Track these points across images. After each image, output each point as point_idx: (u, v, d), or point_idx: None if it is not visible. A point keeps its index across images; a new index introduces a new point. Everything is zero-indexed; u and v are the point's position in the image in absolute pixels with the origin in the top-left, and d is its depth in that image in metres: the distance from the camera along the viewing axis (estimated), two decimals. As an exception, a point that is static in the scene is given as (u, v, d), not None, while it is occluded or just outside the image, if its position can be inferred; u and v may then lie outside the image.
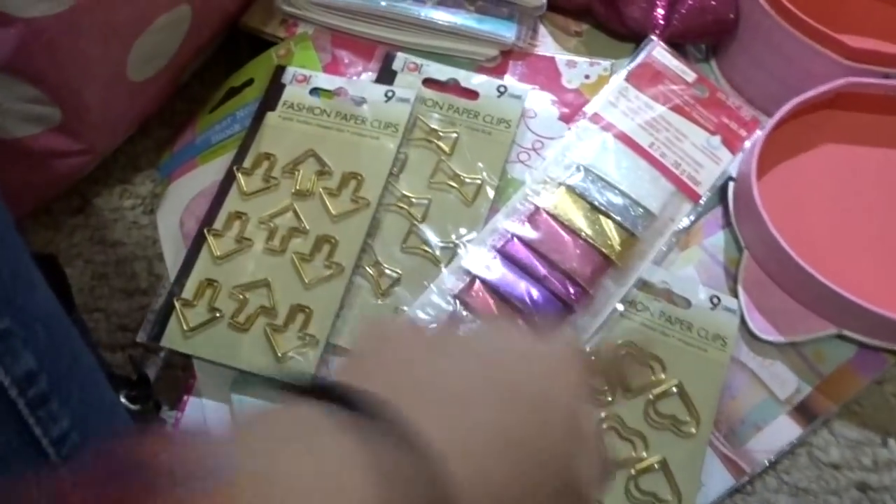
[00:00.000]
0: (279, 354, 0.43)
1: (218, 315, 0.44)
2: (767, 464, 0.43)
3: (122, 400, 0.46)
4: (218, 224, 0.47)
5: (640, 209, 0.48)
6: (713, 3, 0.54)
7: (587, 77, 0.54)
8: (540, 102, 0.53)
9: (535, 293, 0.45)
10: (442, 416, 0.25)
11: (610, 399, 0.43)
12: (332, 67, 0.54)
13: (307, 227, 0.47)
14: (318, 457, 0.22)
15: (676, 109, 0.51)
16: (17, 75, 0.42)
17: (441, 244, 0.47)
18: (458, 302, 0.44)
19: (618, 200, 0.48)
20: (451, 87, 0.52)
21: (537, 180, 0.49)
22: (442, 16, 0.53)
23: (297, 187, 0.48)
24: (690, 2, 0.54)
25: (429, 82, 0.52)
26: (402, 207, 0.48)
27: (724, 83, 0.56)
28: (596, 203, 0.47)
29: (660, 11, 0.54)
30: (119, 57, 0.45)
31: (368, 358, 0.29)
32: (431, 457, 0.23)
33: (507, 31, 0.53)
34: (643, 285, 0.46)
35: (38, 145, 0.46)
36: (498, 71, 0.54)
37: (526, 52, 0.55)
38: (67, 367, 0.35)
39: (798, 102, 0.49)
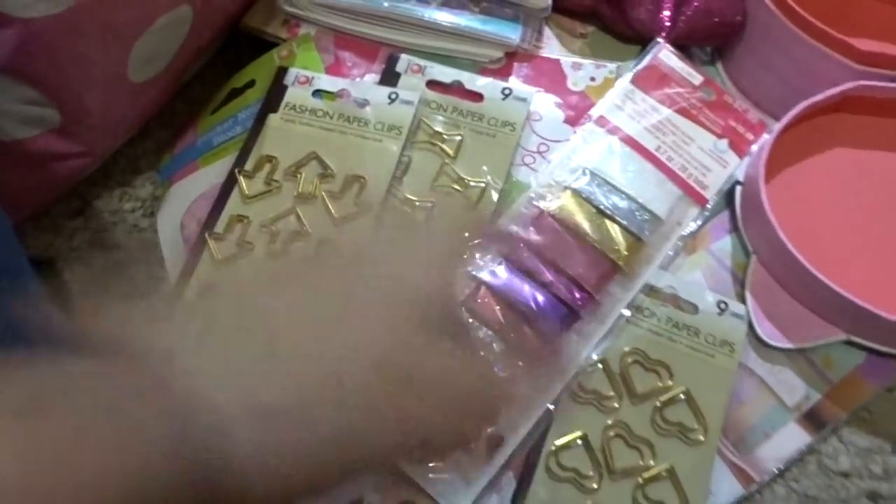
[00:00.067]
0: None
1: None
2: (776, 472, 0.42)
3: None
4: (219, 227, 0.47)
5: (647, 213, 0.48)
6: (720, 5, 0.54)
7: (593, 79, 0.54)
8: (545, 105, 0.53)
9: (541, 298, 0.44)
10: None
11: (616, 406, 0.43)
12: (335, 69, 0.54)
13: (309, 231, 0.46)
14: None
15: (683, 112, 0.51)
16: (15, 76, 0.42)
17: (445, 248, 0.47)
18: (464, 308, 0.44)
19: (624, 204, 0.48)
20: (455, 89, 0.52)
21: (542, 184, 0.49)
22: (446, 17, 0.53)
23: (300, 190, 0.48)
24: (696, 3, 0.54)
25: (433, 84, 0.52)
26: (406, 210, 0.48)
27: (730, 86, 0.56)
28: (602, 207, 0.47)
29: (666, 13, 0.54)
30: (119, 58, 0.45)
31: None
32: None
33: (511, 33, 0.53)
34: (650, 290, 0.46)
35: (36, 147, 0.45)
36: (503, 73, 0.54)
37: (531, 55, 0.55)
38: None
39: (806, 106, 0.49)
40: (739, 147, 0.51)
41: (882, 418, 0.44)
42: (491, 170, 0.49)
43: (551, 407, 0.42)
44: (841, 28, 0.49)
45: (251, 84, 0.53)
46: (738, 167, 0.50)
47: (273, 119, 0.50)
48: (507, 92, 0.51)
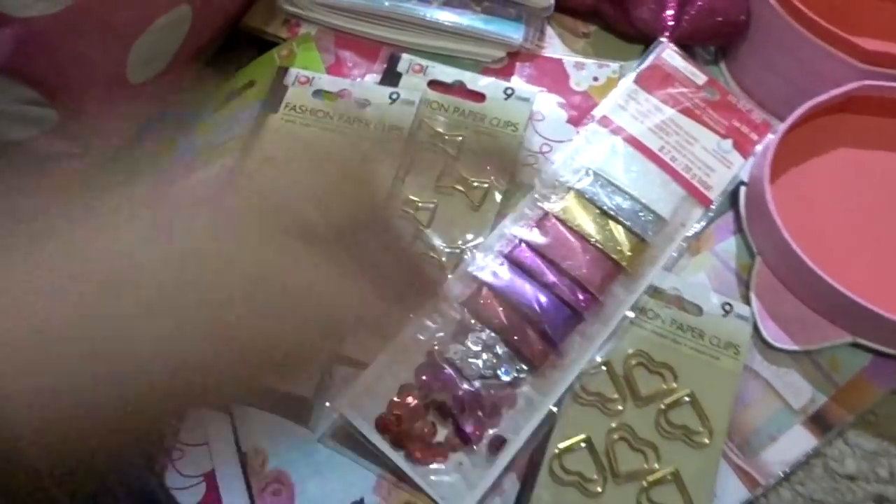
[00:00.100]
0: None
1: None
2: (782, 475, 0.43)
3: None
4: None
5: (651, 214, 0.48)
6: (723, 4, 0.54)
7: (596, 79, 0.54)
8: (548, 105, 0.53)
9: (544, 300, 0.45)
10: None
11: (620, 408, 0.43)
12: (336, 69, 0.54)
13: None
14: None
15: (686, 113, 0.51)
16: (13, 76, 0.42)
17: (447, 249, 0.47)
18: (466, 309, 0.44)
19: (627, 205, 0.48)
20: (457, 89, 0.52)
21: (546, 185, 0.49)
22: (448, 16, 0.54)
23: (300, 191, 0.48)
24: (700, 3, 0.54)
25: (434, 84, 0.52)
26: (406, 212, 0.48)
27: (733, 86, 0.56)
28: (605, 208, 0.48)
29: (669, 13, 0.54)
30: (118, 58, 0.45)
31: None
32: None
33: (514, 33, 0.53)
34: (654, 292, 0.46)
35: (34, 148, 0.46)
36: (505, 73, 0.54)
37: (533, 54, 0.55)
38: None
39: (811, 106, 0.49)
40: (744, 147, 0.51)
41: (888, 421, 0.45)
42: (494, 170, 0.49)
43: (555, 409, 0.43)
44: (846, 27, 0.49)
45: (251, 84, 0.53)
46: (742, 168, 0.50)
47: (273, 119, 0.50)
48: (509, 92, 0.52)
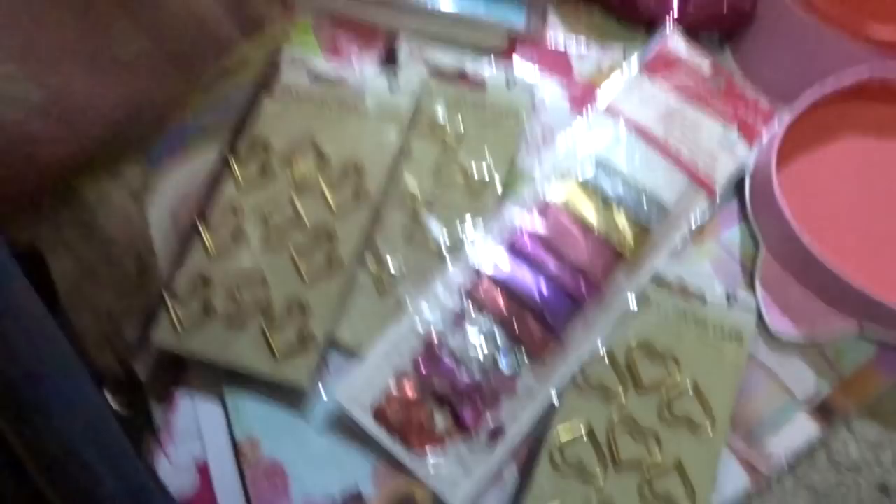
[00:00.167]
0: (276, 353, 0.44)
1: (212, 312, 0.46)
2: (785, 464, 0.44)
3: (112, 404, 0.47)
4: (211, 216, 0.48)
5: (654, 203, 0.49)
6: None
7: (599, 66, 0.56)
8: (550, 92, 0.54)
9: (545, 289, 0.46)
10: None
11: (623, 398, 0.44)
12: (333, 54, 0.55)
13: (305, 220, 0.48)
14: None
15: (691, 100, 0.53)
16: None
17: (447, 239, 0.48)
18: (466, 298, 0.46)
19: (630, 194, 0.49)
20: (458, 75, 0.54)
21: (547, 173, 0.50)
22: (448, 1, 0.55)
23: (295, 178, 0.49)
24: (706, -11, 0.55)
25: (434, 71, 0.54)
26: (406, 201, 0.49)
27: (739, 74, 0.57)
28: (607, 196, 0.49)
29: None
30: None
31: None
32: None
33: (515, 18, 0.54)
34: (657, 281, 0.47)
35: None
36: (506, 60, 0.56)
37: (535, 41, 0.56)
38: (48, 369, 0.36)
39: (819, 94, 0.50)
40: (749, 135, 0.52)
41: (892, 410, 0.46)
42: (495, 158, 0.50)
43: (555, 398, 0.44)
44: (855, 13, 0.50)
45: (245, 66, 0.54)
46: (747, 156, 0.52)
47: (268, 104, 0.52)
48: (511, 79, 0.53)
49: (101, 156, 0.54)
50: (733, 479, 0.43)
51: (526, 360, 0.45)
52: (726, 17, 0.56)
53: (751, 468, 0.44)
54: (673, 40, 0.55)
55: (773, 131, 0.51)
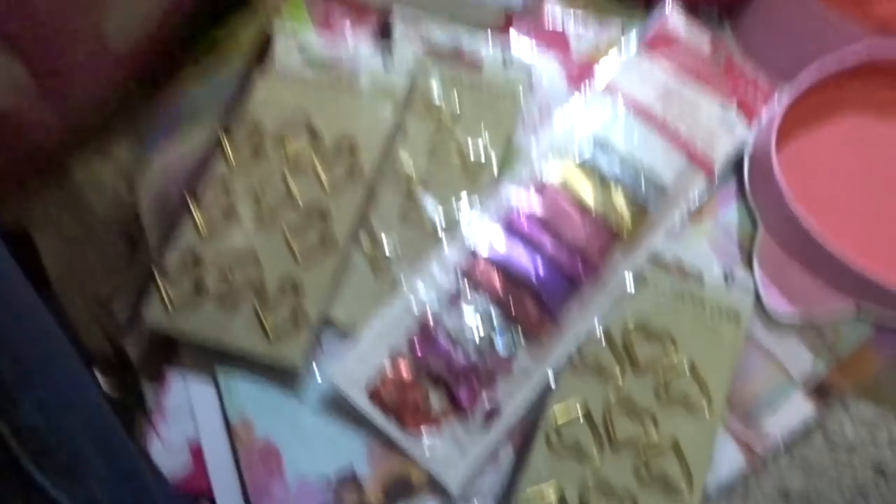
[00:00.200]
0: (269, 334, 0.45)
1: (204, 292, 0.46)
2: (781, 444, 0.45)
3: (102, 386, 0.47)
4: (203, 195, 0.48)
5: (652, 182, 0.50)
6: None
7: (597, 44, 0.56)
8: (547, 70, 0.54)
9: (542, 269, 0.46)
10: None
11: (619, 378, 0.45)
12: (327, 31, 0.55)
13: (299, 200, 0.48)
14: None
15: (690, 78, 0.53)
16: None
17: (443, 218, 0.49)
18: (463, 278, 0.46)
19: (628, 173, 0.50)
20: (454, 53, 0.54)
21: (544, 152, 0.50)
22: (443, -23, 0.55)
23: (289, 157, 0.49)
24: (706, -35, 0.55)
25: (430, 49, 0.54)
26: (401, 179, 0.50)
27: (738, 51, 0.57)
28: (605, 175, 0.49)
29: (674, -25, 0.56)
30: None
31: None
32: None
33: (512, -6, 0.55)
34: (654, 261, 0.48)
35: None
36: (503, 37, 0.56)
37: (532, 18, 0.56)
38: (36, 349, 0.36)
39: (820, 72, 0.50)
40: (749, 114, 0.52)
41: (887, 390, 0.47)
42: (491, 137, 0.51)
43: (552, 379, 0.44)
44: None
45: (237, 44, 0.54)
46: (746, 135, 0.52)
47: (260, 82, 0.52)
48: (507, 58, 0.53)
49: (90, 136, 0.54)
50: (729, 458, 0.44)
51: (522, 341, 0.45)
52: (726, -6, 0.56)
53: (747, 448, 0.44)
54: (673, 17, 0.55)
55: (772, 111, 0.52)
